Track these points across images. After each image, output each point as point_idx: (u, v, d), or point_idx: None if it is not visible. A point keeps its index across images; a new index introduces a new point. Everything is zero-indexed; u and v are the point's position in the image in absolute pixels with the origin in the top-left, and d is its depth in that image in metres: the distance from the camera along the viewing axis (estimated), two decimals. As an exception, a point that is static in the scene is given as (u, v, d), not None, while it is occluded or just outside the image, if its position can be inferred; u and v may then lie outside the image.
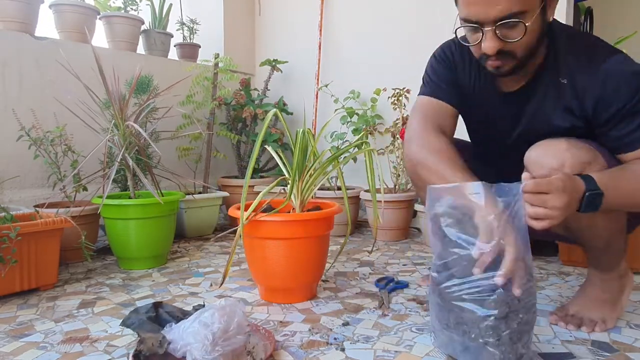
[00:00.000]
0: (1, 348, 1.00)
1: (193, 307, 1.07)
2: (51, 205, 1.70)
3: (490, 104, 1.15)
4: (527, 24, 0.89)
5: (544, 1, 0.92)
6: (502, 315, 0.82)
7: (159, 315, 1.06)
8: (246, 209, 1.20)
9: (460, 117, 1.22)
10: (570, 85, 1.00)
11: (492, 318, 0.82)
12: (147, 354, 0.90)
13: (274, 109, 1.40)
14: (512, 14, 0.88)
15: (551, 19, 0.98)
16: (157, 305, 1.10)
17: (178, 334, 0.88)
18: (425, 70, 1.23)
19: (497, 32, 0.91)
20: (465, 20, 0.94)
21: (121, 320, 1.06)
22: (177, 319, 1.01)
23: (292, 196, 1.28)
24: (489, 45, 0.93)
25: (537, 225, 0.84)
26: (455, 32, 1.00)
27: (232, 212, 1.29)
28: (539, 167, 0.95)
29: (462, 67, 1.16)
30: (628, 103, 0.94)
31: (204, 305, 1.03)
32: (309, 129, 1.29)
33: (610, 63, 0.96)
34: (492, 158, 1.23)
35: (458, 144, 1.14)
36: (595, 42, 1.02)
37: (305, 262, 1.26)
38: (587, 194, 0.87)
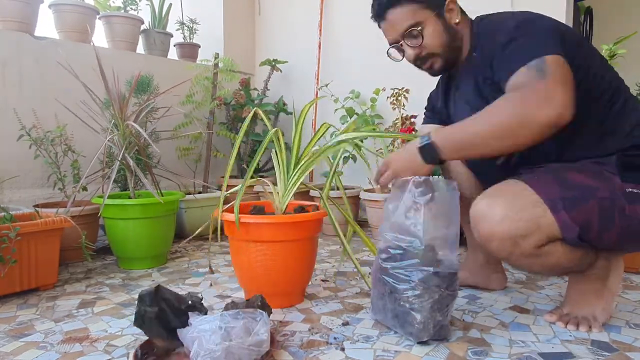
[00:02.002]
0: (1, 348, 1.00)
1: (189, 293, 1.03)
2: (51, 205, 1.71)
3: (452, 99, 1.27)
4: (424, 31, 1.11)
5: (437, 9, 1.11)
6: (426, 286, 0.98)
7: (163, 310, 0.98)
8: (231, 211, 1.17)
9: None
10: (481, 56, 1.08)
11: (418, 288, 0.98)
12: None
13: (255, 109, 1.39)
14: (408, 27, 1.11)
15: (456, 20, 1.13)
16: (155, 296, 0.98)
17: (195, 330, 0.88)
18: None
19: (408, 43, 1.14)
20: (390, 44, 1.19)
21: (133, 322, 0.97)
22: (175, 308, 0.98)
23: (275, 197, 1.26)
24: (408, 53, 1.15)
25: (394, 173, 1.08)
26: (388, 54, 1.21)
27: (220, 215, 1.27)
28: (475, 231, 1.02)
29: (438, 96, 1.35)
30: (504, 40, 1.00)
31: (201, 298, 1.02)
32: (278, 128, 1.29)
33: (503, 21, 1.07)
34: (479, 163, 1.29)
35: None
36: (501, 13, 1.11)
37: (284, 267, 1.20)
38: (418, 147, 1.04)
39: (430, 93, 1.42)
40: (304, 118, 1.31)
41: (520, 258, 1.00)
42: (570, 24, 2.03)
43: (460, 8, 1.17)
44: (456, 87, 1.23)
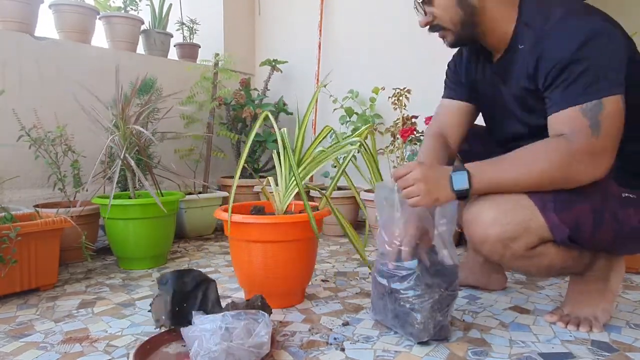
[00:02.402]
0: (1, 348, 1.00)
1: (227, 304, 1.05)
2: (51, 205, 1.71)
3: (489, 84, 1.18)
4: (435, 0, 1.04)
5: None
6: (426, 287, 0.98)
7: (195, 292, 1.03)
8: (234, 211, 1.17)
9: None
10: (528, 50, 1.00)
11: (418, 289, 0.98)
12: (136, 345, 0.93)
13: (266, 112, 1.38)
14: None
15: None
16: (202, 283, 1.04)
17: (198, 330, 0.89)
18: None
19: (420, 8, 1.08)
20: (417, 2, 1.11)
21: (160, 275, 1.01)
22: (205, 306, 1.02)
23: (275, 198, 1.26)
24: (419, 20, 1.10)
25: (412, 202, 0.98)
26: (415, 8, 1.12)
27: (217, 214, 1.27)
28: (468, 234, 1.03)
29: (465, 65, 1.24)
30: (564, 59, 0.92)
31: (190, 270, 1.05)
32: (284, 129, 1.29)
33: (558, 18, 0.96)
34: (506, 139, 1.21)
35: (478, 133, 1.29)
36: (557, 1, 1.00)
37: (284, 267, 1.19)
38: (451, 173, 0.97)
39: (450, 63, 1.31)
40: (306, 123, 1.31)
41: (512, 260, 1.00)
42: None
43: None
44: (499, 76, 1.12)
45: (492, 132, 1.26)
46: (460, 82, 1.26)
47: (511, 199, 0.97)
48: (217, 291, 1.06)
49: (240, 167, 1.22)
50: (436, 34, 1.11)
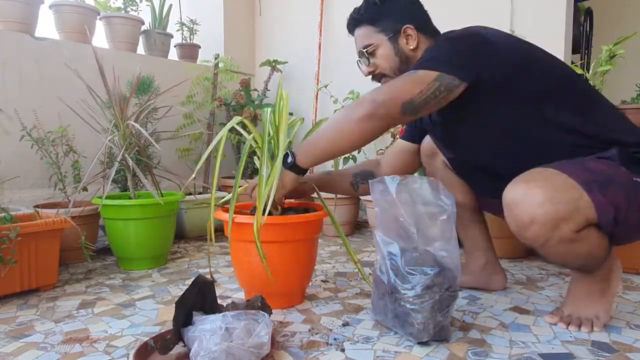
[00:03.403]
0: (1, 348, 1.00)
1: (226, 304, 1.04)
2: (51, 205, 1.71)
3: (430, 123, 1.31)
4: (376, 52, 1.22)
5: (390, 34, 1.19)
6: (427, 287, 0.98)
7: (196, 300, 0.98)
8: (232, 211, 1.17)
9: None
10: None
11: (418, 289, 0.98)
12: (152, 348, 0.92)
13: (238, 118, 1.35)
14: (363, 46, 1.23)
15: (412, 45, 1.19)
16: (203, 285, 0.99)
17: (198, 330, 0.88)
18: None
19: (363, 61, 1.26)
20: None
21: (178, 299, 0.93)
22: (204, 310, 0.99)
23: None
24: (362, 69, 1.27)
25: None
26: (357, 64, 1.30)
27: (218, 214, 1.26)
28: (512, 217, 1.01)
29: None
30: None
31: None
32: (255, 133, 1.29)
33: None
34: (464, 170, 1.35)
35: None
36: (452, 31, 1.15)
37: (284, 267, 1.19)
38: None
39: None
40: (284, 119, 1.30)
41: (558, 244, 0.98)
42: (570, 24, 2.03)
43: (425, 29, 1.21)
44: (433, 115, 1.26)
45: (458, 160, 1.32)
46: (413, 125, 1.42)
47: (557, 178, 0.97)
48: (214, 292, 1.04)
49: (242, 169, 1.22)
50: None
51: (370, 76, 1.27)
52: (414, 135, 1.42)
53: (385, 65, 1.21)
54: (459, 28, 1.15)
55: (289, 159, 1.14)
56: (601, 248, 1.02)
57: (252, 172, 2.50)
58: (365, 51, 1.23)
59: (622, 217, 0.97)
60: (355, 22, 1.26)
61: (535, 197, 0.95)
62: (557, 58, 1.15)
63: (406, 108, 1.04)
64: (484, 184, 1.29)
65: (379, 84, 1.24)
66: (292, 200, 1.38)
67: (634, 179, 1.00)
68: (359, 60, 1.27)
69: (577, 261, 1.06)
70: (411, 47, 1.19)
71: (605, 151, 1.03)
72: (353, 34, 1.28)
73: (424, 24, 1.22)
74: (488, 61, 1.06)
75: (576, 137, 1.06)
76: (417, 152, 1.43)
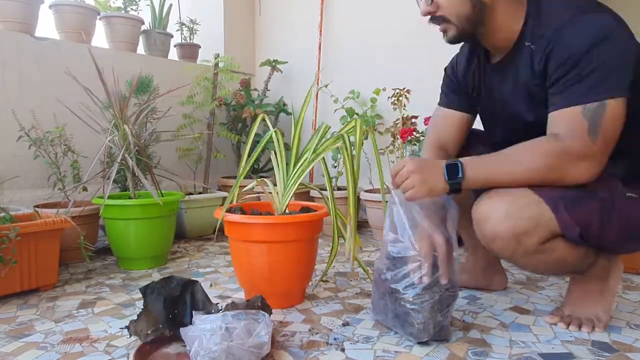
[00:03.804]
0: (1, 348, 1.00)
1: (216, 304, 1.05)
2: (51, 205, 1.70)
3: (490, 87, 1.16)
4: None
5: None
6: (427, 287, 0.98)
7: (182, 296, 1.02)
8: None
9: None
10: (537, 47, 0.99)
11: (418, 289, 0.98)
12: (131, 334, 0.93)
13: (262, 114, 1.38)
14: None
15: None
16: (187, 285, 1.03)
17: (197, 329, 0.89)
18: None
19: None
20: None
21: (143, 287, 1.00)
22: (197, 307, 1.00)
23: (274, 198, 1.26)
24: (421, 8, 1.04)
25: (409, 195, 0.99)
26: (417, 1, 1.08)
27: (218, 214, 1.27)
28: (479, 232, 1.02)
29: (464, 71, 1.22)
30: (573, 57, 0.91)
31: (221, 309, 1.02)
32: (277, 129, 1.29)
33: (569, 15, 0.95)
34: (508, 142, 1.18)
35: (477, 137, 1.27)
36: (569, 1, 0.99)
37: (284, 267, 1.19)
38: (445, 164, 0.98)
39: (448, 68, 1.28)
40: (303, 117, 1.31)
41: (524, 256, 0.99)
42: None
43: None
44: (502, 76, 1.10)
45: (493, 136, 1.24)
46: (458, 89, 1.24)
47: (521, 196, 0.96)
48: (203, 290, 1.04)
49: (242, 168, 1.23)
50: (435, 29, 1.08)
51: (428, 18, 1.06)
52: (463, 102, 1.24)
53: (451, 9, 1.01)
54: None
55: (456, 178, 0.98)
56: (576, 256, 1.01)
57: (252, 171, 2.50)
58: None
59: (593, 233, 0.96)
60: None
61: (498, 212, 0.96)
62: None
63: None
64: None
65: (436, 25, 1.06)
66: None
67: (627, 194, 0.99)
68: None
69: (550, 270, 1.06)
70: None
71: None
72: None
73: None
74: (635, 70, 0.94)
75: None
76: (472, 121, 1.27)
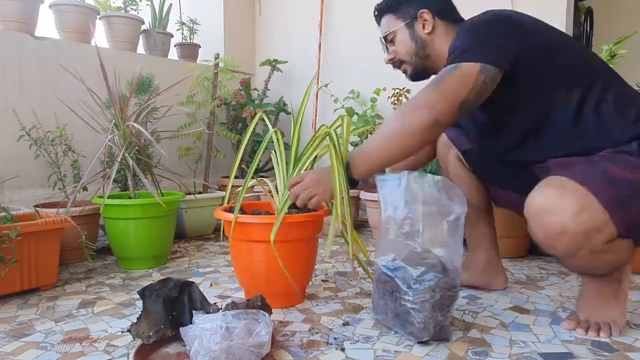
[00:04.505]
0: (1, 348, 1.00)
1: (214, 303, 1.05)
2: (51, 205, 1.71)
3: None
4: (395, 39, 1.24)
5: (408, 20, 1.21)
6: (428, 287, 0.99)
7: (180, 297, 1.02)
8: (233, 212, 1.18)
9: None
10: None
11: (419, 288, 0.99)
12: (136, 345, 0.93)
13: (260, 113, 1.39)
14: (383, 34, 1.27)
15: (427, 30, 1.20)
16: (184, 286, 1.04)
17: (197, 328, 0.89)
18: None
19: (384, 48, 1.29)
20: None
21: (141, 289, 1.00)
22: (195, 308, 1.01)
23: (274, 198, 1.26)
24: (384, 56, 1.29)
25: (313, 203, 1.12)
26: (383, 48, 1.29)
27: (218, 214, 1.27)
28: (540, 226, 0.97)
29: None
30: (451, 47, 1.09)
31: (220, 309, 1.02)
32: (277, 129, 1.29)
33: (469, 22, 1.14)
34: (484, 163, 1.32)
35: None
36: (479, 15, 1.13)
37: (284, 267, 1.16)
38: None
39: None
40: (302, 115, 1.31)
41: (587, 255, 0.95)
42: (571, 24, 2.03)
43: (444, 15, 1.20)
44: None
45: (480, 150, 1.31)
46: None
47: (581, 191, 0.93)
48: (200, 291, 1.05)
49: (234, 169, 1.23)
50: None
51: (390, 64, 1.29)
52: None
53: (402, 51, 1.24)
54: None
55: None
56: (629, 254, 1.00)
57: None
58: (385, 38, 1.26)
59: None
60: (379, 11, 1.28)
61: (570, 205, 0.91)
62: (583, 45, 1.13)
63: (462, 109, 1.03)
64: (505, 176, 1.25)
65: (400, 70, 1.29)
66: None
67: None
68: (382, 49, 1.30)
69: (603, 270, 1.03)
70: (427, 32, 1.20)
71: (627, 144, 0.99)
72: (379, 24, 1.30)
73: (444, 8, 1.22)
74: (521, 45, 1.04)
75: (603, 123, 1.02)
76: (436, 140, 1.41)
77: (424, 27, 1.20)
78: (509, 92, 1.07)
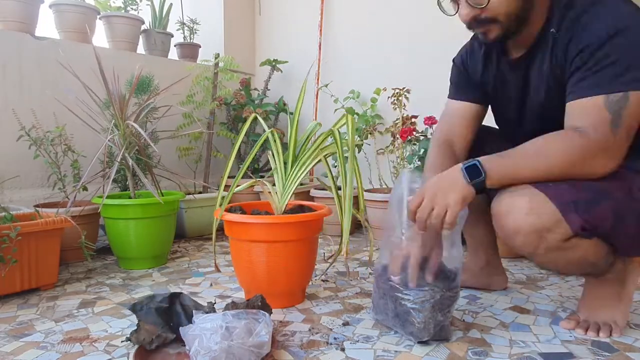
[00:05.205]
0: (1, 348, 1.00)
1: (207, 303, 1.05)
2: (51, 205, 1.70)
3: (505, 81, 1.14)
4: None
5: None
6: (428, 287, 0.98)
7: (172, 308, 1.02)
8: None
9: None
10: (561, 34, 0.97)
11: (419, 288, 0.99)
12: (136, 345, 0.92)
13: (254, 114, 1.39)
14: None
15: None
16: (173, 297, 1.04)
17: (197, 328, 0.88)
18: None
19: (470, 1, 0.96)
20: None
21: (130, 305, 1.01)
22: (190, 315, 1.00)
23: (274, 198, 1.27)
24: (462, 13, 0.99)
25: (448, 221, 0.94)
26: (438, 3, 1.02)
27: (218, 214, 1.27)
28: (499, 227, 0.97)
29: (475, 63, 1.20)
30: (593, 45, 0.90)
31: (214, 303, 1.03)
32: (276, 128, 1.29)
33: (591, 3, 0.94)
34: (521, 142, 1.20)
35: (489, 133, 1.26)
36: None
37: (284, 267, 1.19)
38: (462, 167, 0.96)
39: (457, 60, 1.25)
40: (299, 114, 1.31)
41: (545, 252, 0.95)
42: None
43: None
44: (523, 69, 1.08)
45: (510, 132, 1.21)
46: (469, 80, 1.21)
47: (536, 192, 0.92)
48: (190, 298, 1.04)
49: (227, 170, 1.23)
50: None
51: (468, 23, 1.01)
52: (474, 93, 1.21)
53: (501, 8, 0.96)
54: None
55: (479, 176, 0.95)
56: (598, 255, 0.98)
57: (251, 171, 2.50)
58: None
59: (607, 233, 0.94)
60: None
61: (522, 207, 0.92)
62: None
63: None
64: None
65: (477, 32, 1.03)
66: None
67: None
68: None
69: (571, 269, 1.03)
70: None
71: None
72: None
73: None
74: None
75: None
76: (483, 114, 1.24)
77: None
78: None
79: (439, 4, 1.02)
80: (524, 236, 0.94)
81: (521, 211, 0.93)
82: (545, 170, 0.94)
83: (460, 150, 1.21)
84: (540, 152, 0.94)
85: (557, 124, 0.98)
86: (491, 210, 0.99)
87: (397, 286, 1.01)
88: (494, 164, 0.95)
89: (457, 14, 1.01)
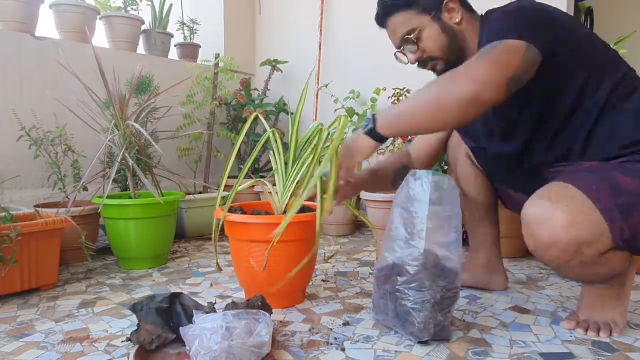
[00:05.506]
0: (1, 348, 1.00)
1: (207, 303, 1.05)
2: (51, 205, 1.70)
3: None
4: (421, 35, 1.13)
5: (433, 12, 1.11)
6: (428, 287, 0.98)
7: (172, 308, 1.02)
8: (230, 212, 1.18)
9: None
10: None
11: (419, 288, 0.99)
12: (136, 345, 0.92)
13: (256, 113, 1.39)
14: (407, 32, 1.13)
15: (456, 19, 1.12)
16: (173, 297, 1.04)
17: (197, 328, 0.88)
18: None
19: (407, 49, 1.15)
20: (395, 49, 1.19)
21: (131, 305, 1.01)
22: (190, 315, 1.00)
23: (274, 198, 1.26)
24: (409, 58, 1.17)
25: (348, 165, 1.07)
26: (395, 57, 1.20)
27: (217, 214, 1.27)
28: (531, 236, 0.96)
29: None
30: (492, 25, 1.04)
31: (214, 303, 1.03)
32: (276, 128, 1.29)
33: (504, 8, 1.06)
34: (494, 163, 1.28)
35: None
36: (511, 2, 1.08)
37: (284, 267, 1.18)
38: (359, 128, 1.05)
39: None
40: (300, 114, 1.31)
41: (577, 266, 0.94)
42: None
43: (466, 5, 1.15)
44: None
45: (481, 150, 1.28)
46: None
47: (578, 200, 0.91)
48: (190, 298, 1.04)
49: (227, 170, 1.23)
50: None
51: (417, 65, 1.18)
52: None
53: (433, 46, 1.12)
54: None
55: (368, 125, 1.03)
56: (623, 265, 0.99)
57: (252, 171, 2.50)
58: (412, 37, 1.12)
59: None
60: (387, 10, 1.15)
61: (560, 218, 0.90)
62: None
63: (510, 85, 0.93)
64: (516, 177, 1.22)
65: (431, 72, 1.18)
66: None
67: None
68: (400, 51, 1.17)
69: (595, 279, 1.03)
70: (456, 21, 1.12)
71: None
72: (385, 25, 1.18)
73: None
74: (557, 35, 0.99)
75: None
76: (447, 138, 1.36)
77: (450, 17, 1.12)
78: (541, 83, 1.00)
79: (395, 56, 1.19)
80: (560, 250, 0.92)
81: (561, 222, 0.90)
82: (421, 106, 0.98)
83: (417, 157, 1.38)
84: (419, 91, 1.00)
85: (515, 124, 1.11)
86: (522, 215, 0.97)
87: (399, 287, 1.01)
88: (383, 113, 1.03)
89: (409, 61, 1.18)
